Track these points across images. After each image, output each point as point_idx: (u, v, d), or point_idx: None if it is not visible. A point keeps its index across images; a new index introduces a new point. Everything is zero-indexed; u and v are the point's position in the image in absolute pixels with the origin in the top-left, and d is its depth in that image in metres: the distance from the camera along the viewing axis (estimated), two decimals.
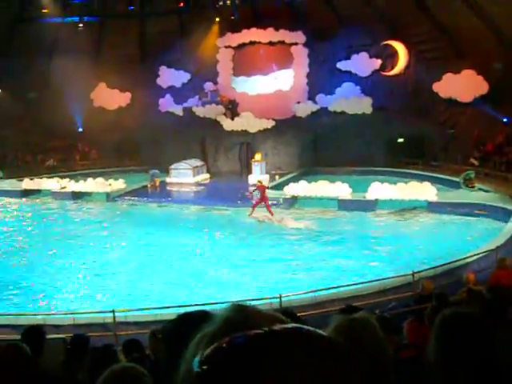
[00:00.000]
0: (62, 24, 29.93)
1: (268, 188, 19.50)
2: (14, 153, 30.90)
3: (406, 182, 19.43)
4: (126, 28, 30.53)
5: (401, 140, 26.61)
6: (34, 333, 3.80)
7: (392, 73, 27.69)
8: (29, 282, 12.46)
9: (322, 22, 28.12)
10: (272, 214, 17.90)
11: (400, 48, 27.24)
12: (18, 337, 4.13)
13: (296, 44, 29.37)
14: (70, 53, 28.70)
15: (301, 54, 29.26)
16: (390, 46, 27.39)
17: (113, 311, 8.49)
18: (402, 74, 27.36)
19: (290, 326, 0.69)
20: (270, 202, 18.66)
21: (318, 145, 27.62)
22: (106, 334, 8.28)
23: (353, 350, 0.74)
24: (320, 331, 0.70)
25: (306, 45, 29.23)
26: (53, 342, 4.47)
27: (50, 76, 30.16)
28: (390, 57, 27.64)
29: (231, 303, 0.76)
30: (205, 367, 0.66)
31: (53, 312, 9.87)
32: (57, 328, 7.96)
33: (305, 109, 28.92)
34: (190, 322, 1.30)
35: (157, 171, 25.26)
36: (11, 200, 24.15)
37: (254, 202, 18.64)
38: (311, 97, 29.08)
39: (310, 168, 26.81)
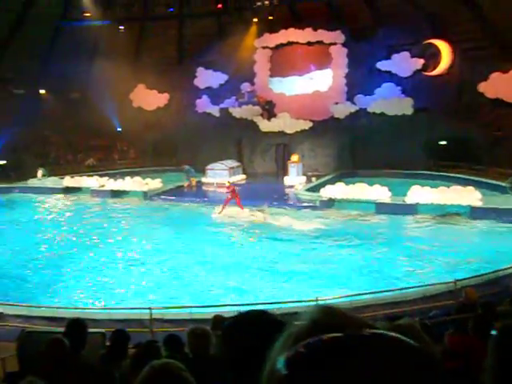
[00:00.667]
0: (103, 27, 30.63)
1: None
2: (56, 152, 31.76)
3: (447, 186, 18.85)
4: (164, 30, 31.04)
5: (443, 142, 25.87)
6: (77, 326, 3.87)
7: (435, 73, 26.98)
8: (68, 277, 12.82)
9: (362, 21, 27.74)
10: (242, 209, 19.14)
11: (443, 47, 26.51)
12: (57, 329, 4.16)
13: (335, 44, 29.00)
14: (111, 55, 29.39)
15: (339, 54, 28.88)
16: (433, 44, 26.70)
17: (149, 308, 8.62)
18: (446, 73, 26.62)
19: (379, 331, 0.67)
20: (305, 204, 19.79)
21: (355, 146, 27.19)
22: (142, 330, 8.32)
23: None
24: (410, 341, 0.67)
25: (344, 44, 28.87)
26: (91, 335, 4.55)
27: (91, 77, 30.93)
28: (433, 56, 26.92)
29: (317, 304, 0.73)
30: (290, 369, 0.66)
31: (90, 306, 10.11)
32: (94, 322, 8.08)
33: (343, 110, 28.54)
34: (252, 321, 1.30)
35: (190, 168, 25.58)
36: (53, 197, 25.11)
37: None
38: (350, 97, 28.66)
39: (347, 170, 26.51)
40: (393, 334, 0.67)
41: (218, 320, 5.40)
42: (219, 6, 30.10)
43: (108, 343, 4.81)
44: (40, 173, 27.53)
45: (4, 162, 28.66)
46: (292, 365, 0.65)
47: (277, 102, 30.15)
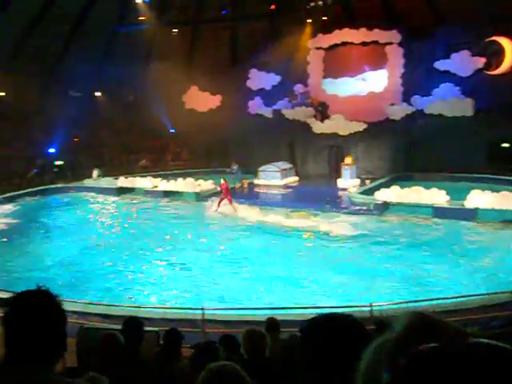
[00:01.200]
0: (157, 30, 31.28)
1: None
2: (111, 153, 32.74)
3: (510, 191, 17.96)
4: (218, 32, 31.53)
5: (506, 144, 24.76)
6: (134, 324, 3.96)
7: (497, 72, 25.87)
8: (121, 275, 13.19)
9: (419, 19, 26.97)
10: (235, 209, 20.03)
11: (507, 44, 25.42)
12: (111, 326, 4.26)
13: (390, 43, 28.43)
14: (164, 57, 30.08)
15: (395, 54, 28.29)
16: (496, 42, 25.63)
17: (202, 309, 8.66)
18: (509, 72, 25.46)
19: (485, 341, 0.65)
20: (359, 207, 19.68)
21: (412, 149, 26.49)
22: (194, 330, 8.37)
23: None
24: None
25: (400, 44, 28.25)
26: (145, 334, 4.66)
27: (145, 80, 31.46)
28: (496, 54, 25.84)
29: (412, 310, 0.71)
30: (400, 378, 0.66)
31: (144, 305, 10.20)
32: (148, 321, 8.26)
33: (399, 111, 27.94)
34: (335, 324, 1.32)
35: (238, 168, 25.87)
36: (108, 197, 25.83)
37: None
38: (406, 99, 28.04)
39: (402, 173, 25.93)
40: (494, 342, 0.65)
41: (271, 323, 5.34)
42: (272, 6, 30.18)
43: (162, 342, 4.88)
44: (95, 173, 28.62)
45: (61, 162, 29.80)
46: (402, 375, 0.66)
47: (330, 103, 29.90)
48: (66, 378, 1.68)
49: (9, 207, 23.30)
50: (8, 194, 24.85)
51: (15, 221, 20.30)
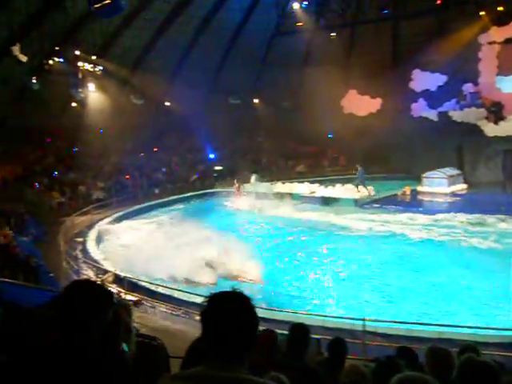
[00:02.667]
0: (314, 35, 31.50)
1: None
2: (269, 158, 33.82)
3: None
4: (377, 32, 30.82)
5: None
6: (300, 330, 3.95)
7: None
8: (289, 281, 13.50)
9: None
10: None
11: None
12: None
13: None
14: (322, 61, 30.32)
15: None
16: None
17: (363, 319, 8.52)
18: None
19: None
20: None
21: None
22: (354, 341, 8.25)
23: None
24: None
25: None
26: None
27: (302, 85, 32.13)
28: None
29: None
30: None
31: (306, 312, 10.30)
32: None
33: None
34: None
35: (362, 169, 25.04)
36: (265, 201, 26.18)
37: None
38: None
39: None
40: None
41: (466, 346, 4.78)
42: (438, 1, 28.50)
43: (324, 350, 4.91)
44: (253, 178, 29.45)
45: (221, 167, 31.42)
46: None
47: (506, 103, 27.72)
48: (260, 378, 1.77)
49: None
50: (175, 197, 27.23)
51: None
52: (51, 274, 12.56)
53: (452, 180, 25.75)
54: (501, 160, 27.18)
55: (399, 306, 11.28)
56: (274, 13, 31.67)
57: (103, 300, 2.07)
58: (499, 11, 27.11)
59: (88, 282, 2.40)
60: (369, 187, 24.81)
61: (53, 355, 1.92)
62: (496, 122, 27.24)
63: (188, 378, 1.73)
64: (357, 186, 24.54)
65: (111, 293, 2.18)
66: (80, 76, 24.43)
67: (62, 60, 23.40)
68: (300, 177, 30.33)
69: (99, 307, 2.03)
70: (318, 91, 29.62)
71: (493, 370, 2.67)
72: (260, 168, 32.39)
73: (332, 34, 31.79)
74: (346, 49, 32.59)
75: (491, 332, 8.60)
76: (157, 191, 27.83)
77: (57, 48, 23.44)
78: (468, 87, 29.02)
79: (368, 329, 8.53)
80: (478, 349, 4.65)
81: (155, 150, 31.36)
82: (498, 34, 27.71)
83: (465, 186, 26.58)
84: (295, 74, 32.53)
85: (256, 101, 34.94)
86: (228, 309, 1.74)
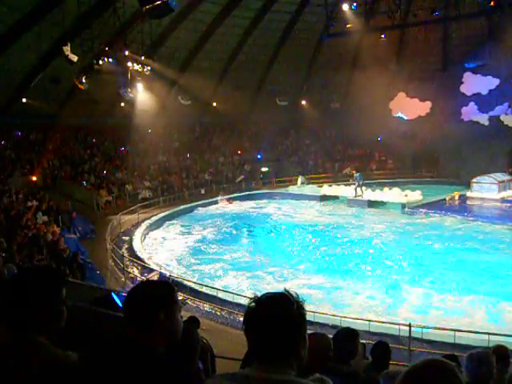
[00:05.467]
0: (363, 37, 31.26)
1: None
2: (315, 160, 33.73)
3: None
4: (427, 35, 30.83)
5: None
6: (349, 335, 3.92)
7: None
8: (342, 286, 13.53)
9: None
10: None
11: None
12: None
13: None
14: (371, 64, 29.96)
15: None
16: None
17: (409, 325, 8.46)
18: None
19: None
20: None
21: None
22: (399, 347, 8.22)
23: None
24: None
25: None
26: None
27: (350, 87, 32.15)
28: None
29: None
30: None
31: (349, 315, 10.14)
32: None
33: None
34: None
35: (361, 174, 25.13)
36: (310, 203, 26.62)
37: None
38: None
39: None
40: None
41: (501, 352, 4.60)
42: (492, 3, 27.07)
43: (370, 355, 4.87)
44: (299, 180, 29.48)
45: (267, 169, 31.13)
46: None
47: None
48: (308, 381, 1.80)
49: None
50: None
51: None
52: (97, 271, 12.43)
53: (503, 185, 25.34)
54: None
55: None
56: (324, 14, 30.91)
57: (167, 300, 2.07)
58: None
59: (154, 281, 2.64)
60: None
61: (129, 353, 1.92)
62: None
63: (234, 378, 1.74)
64: (355, 189, 25.22)
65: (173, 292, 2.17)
66: (129, 76, 24.26)
67: (111, 60, 23.36)
68: (347, 179, 30.24)
69: (165, 308, 2.03)
70: (366, 94, 29.65)
71: None
72: (307, 170, 32.42)
73: (381, 37, 30.79)
74: (396, 51, 32.48)
75: None
76: (203, 191, 27.87)
77: (106, 48, 23.44)
78: None
79: (414, 335, 8.52)
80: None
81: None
82: None
83: None
84: (344, 76, 32.59)
85: (304, 102, 35.01)
86: (275, 312, 1.71)
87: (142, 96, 26.02)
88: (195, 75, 27.69)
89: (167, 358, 1.96)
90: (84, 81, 22.21)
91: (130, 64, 23.89)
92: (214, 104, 31.51)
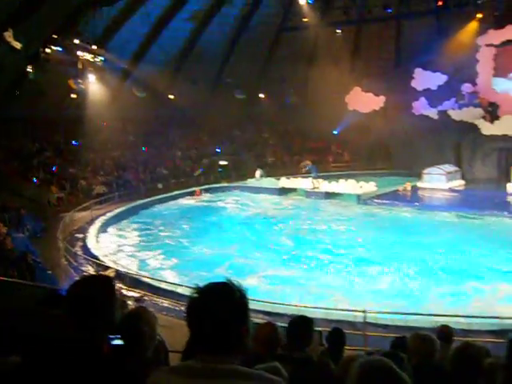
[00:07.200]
0: (320, 31, 32.04)
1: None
2: (273, 153, 33.97)
3: None
4: (382, 31, 32.68)
5: None
6: (302, 322, 3.90)
7: None
8: (293, 274, 13.80)
9: None
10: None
11: None
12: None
13: None
14: (327, 58, 30.87)
15: None
16: None
17: (364, 311, 8.72)
18: None
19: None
20: None
21: None
22: (355, 332, 8.42)
23: None
24: None
25: None
26: None
27: (308, 81, 33.01)
28: None
29: None
30: None
31: (306, 304, 10.22)
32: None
33: None
34: None
35: (313, 166, 26.11)
36: (269, 197, 26.96)
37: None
38: None
39: None
40: None
41: (443, 331, 4.97)
42: (440, 3, 28.51)
43: (325, 342, 4.97)
44: (258, 173, 30.01)
45: (226, 162, 30.81)
46: None
47: (501, 103, 28.64)
48: (254, 370, 1.79)
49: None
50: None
51: None
52: (49, 272, 11.66)
53: (450, 176, 27.08)
54: (496, 157, 28.43)
55: None
56: (281, 7, 30.75)
57: (109, 294, 2.06)
58: (496, 15, 28.05)
59: (93, 277, 2.48)
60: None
61: (72, 354, 1.88)
62: (492, 122, 28.42)
63: (182, 370, 1.73)
64: (312, 181, 25.95)
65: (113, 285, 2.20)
66: (80, 66, 22.99)
67: (60, 49, 21.97)
68: (305, 172, 30.38)
69: (106, 302, 2.02)
70: (323, 88, 30.30)
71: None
72: (265, 163, 33.03)
73: (337, 31, 31.02)
74: (351, 47, 34.05)
75: (484, 320, 9.09)
76: (160, 186, 27.40)
77: (55, 36, 22.01)
78: (466, 87, 29.93)
79: (369, 320, 8.79)
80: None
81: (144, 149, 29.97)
82: (495, 36, 28.59)
83: (462, 182, 27.93)
84: (301, 70, 33.31)
85: (262, 96, 35.45)
86: (217, 302, 1.69)
87: (94, 87, 25.18)
88: (150, 67, 27.25)
89: (110, 354, 1.94)
90: (30, 70, 20.94)
91: (80, 53, 22.84)
92: (171, 97, 31.17)
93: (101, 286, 2.04)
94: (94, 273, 12.69)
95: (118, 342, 2.09)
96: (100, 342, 1.93)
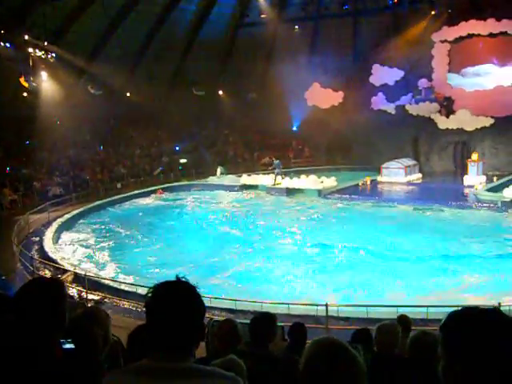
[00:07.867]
0: (278, 27, 32.39)
1: None
2: (234, 150, 34.15)
3: None
4: (339, 28, 33.02)
5: None
6: (264, 318, 3.93)
7: None
8: (250, 270, 13.87)
9: None
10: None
11: None
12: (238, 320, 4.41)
13: None
14: (286, 54, 31.39)
15: None
16: None
17: (326, 305, 8.89)
18: None
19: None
20: (486, 205, 20.35)
21: None
22: (318, 326, 8.61)
23: None
24: None
25: None
26: None
27: (267, 77, 33.03)
28: None
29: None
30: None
31: (269, 300, 10.24)
32: None
33: None
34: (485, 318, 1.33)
35: (279, 162, 26.23)
36: (231, 194, 26.87)
37: None
38: None
39: None
40: None
41: (402, 321, 5.31)
42: (395, 0, 28.64)
43: (287, 336, 5.06)
44: (219, 171, 30.03)
45: (185, 160, 30.38)
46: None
47: (456, 98, 29.72)
48: (207, 367, 1.77)
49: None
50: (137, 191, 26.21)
51: None
52: (3, 277, 11.13)
53: (409, 170, 27.70)
54: (452, 151, 29.19)
55: None
56: (238, 3, 30.60)
57: (58, 297, 2.01)
58: (449, 12, 28.68)
59: (40, 279, 2.58)
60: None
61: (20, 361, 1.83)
62: (447, 116, 29.22)
63: (137, 371, 1.71)
64: (275, 176, 26.24)
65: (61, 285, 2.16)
66: (30, 63, 22.05)
67: (8, 45, 21.02)
68: (266, 169, 30.99)
69: (56, 304, 1.97)
70: (282, 83, 30.27)
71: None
72: (226, 160, 33.04)
73: (295, 28, 31.12)
74: (310, 43, 34.34)
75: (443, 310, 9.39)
76: (119, 186, 26.82)
77: (2, 32, 21.04)
78: (423, 82, 30.81)
79: (331, 314, 8.97)
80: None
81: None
82: (449, 33, 29.45)
83: (420, 175, 28.58)
84: (260, 66, 33.53)
85: (221, 92, 35.57)
86: (173, 299, 1.70)
87: (46, 85, 24.30)
88: (106, 64, 26.65)
89: (62, 358, 1.91)
90: None
91: (31, 50, 21.91)
92: (128, 94, 30.66)
93: (49, 288, 2.01)
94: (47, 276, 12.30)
95: (70, 345, 2.08)
96: (51, 347, 1.90)
